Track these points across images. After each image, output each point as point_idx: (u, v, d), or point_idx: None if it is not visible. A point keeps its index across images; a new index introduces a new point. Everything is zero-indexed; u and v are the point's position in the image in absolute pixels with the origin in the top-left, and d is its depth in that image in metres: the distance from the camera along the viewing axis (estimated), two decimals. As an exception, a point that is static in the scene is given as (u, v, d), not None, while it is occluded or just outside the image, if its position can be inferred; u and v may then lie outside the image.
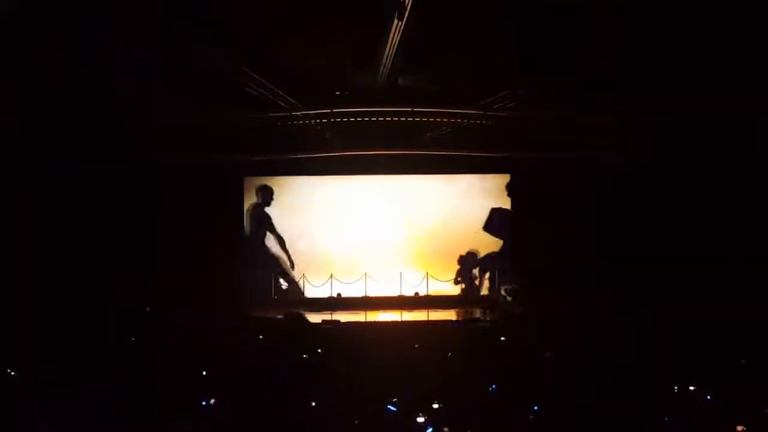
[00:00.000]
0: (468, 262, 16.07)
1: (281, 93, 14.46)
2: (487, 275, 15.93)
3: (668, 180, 13.90)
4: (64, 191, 12.90)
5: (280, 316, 11.87)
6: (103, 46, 11.99)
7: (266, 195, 16.15)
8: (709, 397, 5.23)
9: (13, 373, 6.12)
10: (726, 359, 6.25)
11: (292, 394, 5.31)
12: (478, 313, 13.77)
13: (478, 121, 14.93)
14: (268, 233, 16.09)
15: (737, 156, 12.96)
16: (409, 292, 15.60)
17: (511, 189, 16.25)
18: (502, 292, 15.48)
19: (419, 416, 4.83)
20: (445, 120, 15.00)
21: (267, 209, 16.14)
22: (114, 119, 13.20)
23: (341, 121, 14.85)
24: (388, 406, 4.92)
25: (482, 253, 16.10)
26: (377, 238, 15.92)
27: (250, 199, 16.19)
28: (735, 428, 4.54)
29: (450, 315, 14.02)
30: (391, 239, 15.96)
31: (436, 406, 5.11)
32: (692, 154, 13.39)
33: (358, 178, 16.10)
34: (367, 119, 14.81)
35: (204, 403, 5.18)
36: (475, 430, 4.73)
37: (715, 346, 6.72)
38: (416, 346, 7.36)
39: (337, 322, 12.38)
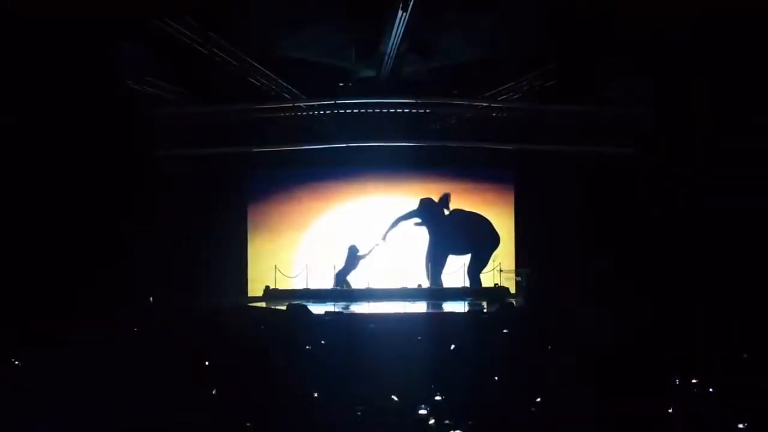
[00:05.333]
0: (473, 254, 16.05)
1: (285, 84, 14.45)
2: (491, 267, 15.90)
3: (669, 175, 13.90)
4: (67, 184, 12.92)
5: (283, 307, 11.91)
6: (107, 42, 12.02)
7: None
8: (711, 390, 5.23)
9: (17, 363, 6.14)
10: (728, 353, 6.24)
11: (294, 385, 5.32)
12: (480, 305, 13.78)
13: (483, 113, 14.91)
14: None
15: (737, 152, 12.95)
16: (412, 284, 15.60)
17: (516, 182, 16.23)
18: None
19: (421, 408, 4.84)
20: (449, 111, 14.98)
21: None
22: (117, 113, 13.21)
23: (345, 112, 14.84)
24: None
25: (486, 246, 16.08)
26: (381, 229, 15.89)
27: (252, 191, 16.20)
28: (736, 424, 4.54)
29: (453, 307, 14.03)
30: (394, 230, 15.93)
31: (438, 398, 5.11)
32: (693, 149, 13.38)
33: (362, 169, 16.06)
34: (371, 111, 14.79)
35: (206, 393, 5.19)
36: (478, 422, 4.73)
37: (718, 339, 6.71)
38: (419, 338, 7.36)
39: (340, 313, 12.39)
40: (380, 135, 14.89)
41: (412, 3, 10.84)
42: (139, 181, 13.99)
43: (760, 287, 11.27)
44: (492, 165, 16.04)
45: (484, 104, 14.86)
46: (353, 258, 15.61)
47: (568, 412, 4.77)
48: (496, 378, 5.63)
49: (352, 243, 15.68)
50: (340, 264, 15.61)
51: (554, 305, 12.37)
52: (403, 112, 14.83)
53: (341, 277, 15.58)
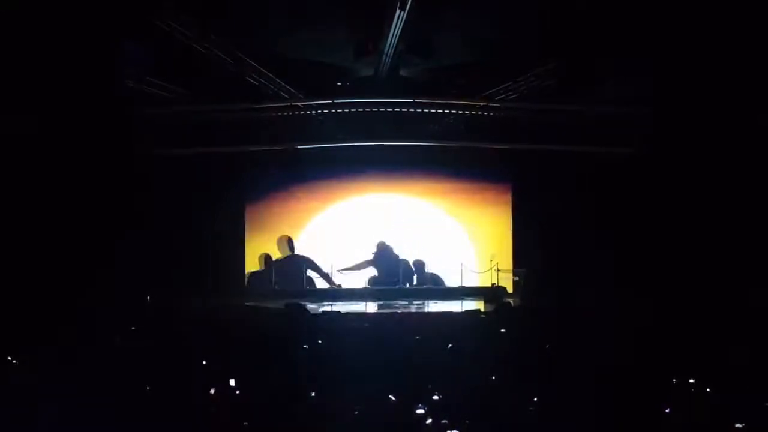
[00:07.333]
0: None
1: (282, 83, 14.43)
2: (489, 267, 15.89)
3: (669, 174, 13.88)
4: (65, 183, 12.90)
5: (280, 307, 11.89)
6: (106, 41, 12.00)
7: None
8: (708, 390, 5.22)
9: (14, 361, 6.12)
10: (727, 353, 6.23)
11: (291, 385, 5.30)
12: (479, 305, 13.75)
13: (482, 112, 14.89)
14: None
15: (738, 150, 12.93)
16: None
17: (514, 181, 16.22)
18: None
19: (419, 407, 4.82)
20: (447, 111, 14.95)
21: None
22: (115, 112, 13.18)
23: (343, 112, 14.81)
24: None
25: (484, 246, 16.08)
26: (380, 228, 15.88)
27: (250, 190, 16.18)
28: (734, 424, 4.52)
29: (451, 306, 14.02)
30: (393, 230, 15.93)
31: (436, 397, 5.09)
32: (693, 149, 13.37)
33: (360, 169, 16.04)
34: (369, 110, 14.76)
35: (203, 393, 5.17)
36: (476, 422, 4.71)
37: (716, 339, 6.70)
38: (417, 337, 7.34)
39: (338, 312, 12.37)
40: (378, 135, 14.86)
41: (410, 2, 10.82)
42: (136, 180, 13.96)
43: (759, 287, 11.27)
44: (490, 165, 16.02)
45: (483, 104, 14.84)
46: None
47: (567, 412, 4.75)
48: (494, 378, 5.61)
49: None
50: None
51: (552, 305, 12.36)
52: (402, 111, 14.80)
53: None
